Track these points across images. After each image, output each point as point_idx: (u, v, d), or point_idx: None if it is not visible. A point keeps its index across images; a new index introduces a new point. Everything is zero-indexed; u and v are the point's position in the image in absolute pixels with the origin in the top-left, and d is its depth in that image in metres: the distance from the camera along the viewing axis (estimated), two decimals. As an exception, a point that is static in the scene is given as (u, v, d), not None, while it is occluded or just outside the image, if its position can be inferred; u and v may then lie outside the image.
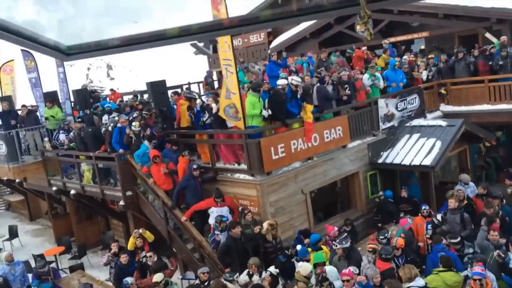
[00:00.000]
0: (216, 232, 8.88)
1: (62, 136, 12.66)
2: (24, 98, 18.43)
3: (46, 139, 13.81)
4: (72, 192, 12.49)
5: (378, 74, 12.37)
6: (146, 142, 10.48)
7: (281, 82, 10.21)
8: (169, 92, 13.66)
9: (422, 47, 17.61)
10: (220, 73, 14.33)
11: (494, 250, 7.05)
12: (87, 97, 15.03)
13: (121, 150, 10.57)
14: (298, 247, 8.17)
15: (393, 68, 12.74)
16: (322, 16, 1.56)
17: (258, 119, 9.60)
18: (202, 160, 10.83)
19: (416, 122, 12.42)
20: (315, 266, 7.43)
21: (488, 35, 14.64)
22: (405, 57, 13.91)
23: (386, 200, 10.78)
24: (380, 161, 11.62)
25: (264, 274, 7.42)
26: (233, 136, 10.16)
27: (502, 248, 7.24)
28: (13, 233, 15.46)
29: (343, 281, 6.72)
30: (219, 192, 9.51)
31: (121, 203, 10.76)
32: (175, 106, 12.01)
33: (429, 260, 7.63)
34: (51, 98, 15.04)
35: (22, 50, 16.40)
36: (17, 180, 14.53)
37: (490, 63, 12.94)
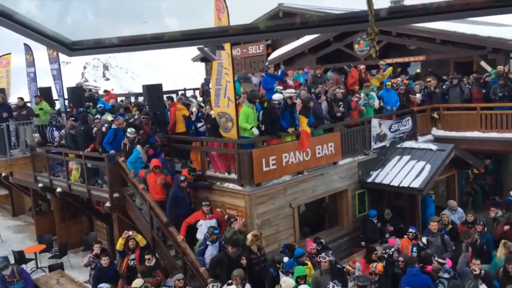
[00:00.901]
0: (207, 242, 8.74)
1: (56, 133, 12.54)
2: (18, 92, 18.30)
3: (36, 134, 13.66)
4: (58, 190, 12.35)
5: (373, 94, 12.49)
6: (138, 147, 10.35)
7: (276, 97, 10.10)
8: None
9: (418, 70, 17.84)
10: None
11: (473, 280, 7.14)
12: (81, 96, 14.95)
13: (112, 151, 10.49)
14: (285, 259, 8.21)
15: (386, 89, 12.88)
16: (329, 30, 1.57)
17: (249, 132, 9.59)
18: (194, 167, 10.77)
19: (408, 144, 12.52)
20: (297, 279, 7.49)
21: (483, 63, 14.89)
22: (399, 79, 14.07)
23: (368, 219, 10.86)
24: (369, 180, 11.66)
25: (247, 286, 7.38)
26: (226, 145, 10.14)
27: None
28: (-6, 227, 15.21)
29: None
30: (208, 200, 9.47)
31: (107, 204, 10.67)
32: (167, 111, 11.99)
33: (403, 282, 7.64)
34: (45, 94, 14.95)
35: (24, 44, 16.35)
36: (3, 174, 14.33)
37: (484, 91, 13.14)
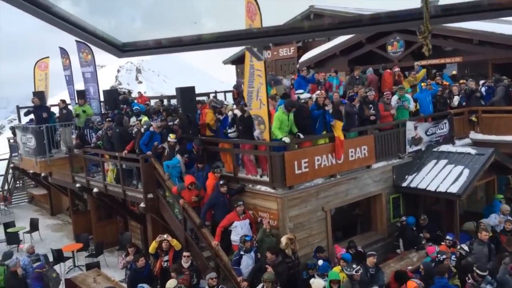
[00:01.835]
0: (241, 252, 8.62)
1: (93, 135, 12.96)
2: (56, 95, 18.99)
3: (73, 136, 14.11)
4: (95, 190, 12.68)
5: (408, 96, 12.20)
6: (178, 156, 10.39)
7: (303, 96, 10.16)
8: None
9: (454, 72, 17.34)
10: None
11: None
12: (116, 98, 15.35)
13: (148, 153, 10.69)
14: (320, 262, 8.12)
15: (421, 90, 12.57)
16: (380, 29, 1.54)
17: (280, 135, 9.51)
18: (225, 169, 10.83)
19: (444, 148, 12.16)
20: (330, 283, 7.41)
21: (523, 64, 14.33)
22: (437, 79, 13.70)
23: (408, 226, 10.54)
24: (404, 184, 11.39)
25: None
26: (258, 147, 10.13)
27: None
28: (33, 226, 15.77)
29: None
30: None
31: (142, 205, 10.85)
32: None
33: None
34: (82, 96, 15.44)
35: (60, 48, 16.96)
36: (42, 174, 14.85)
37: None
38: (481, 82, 14.40)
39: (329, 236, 10.17)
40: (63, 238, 15.89)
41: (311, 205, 9.84)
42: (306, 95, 10.11)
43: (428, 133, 12.27)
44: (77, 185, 13.44)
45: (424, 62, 16.12)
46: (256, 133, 9.80)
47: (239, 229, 9.12)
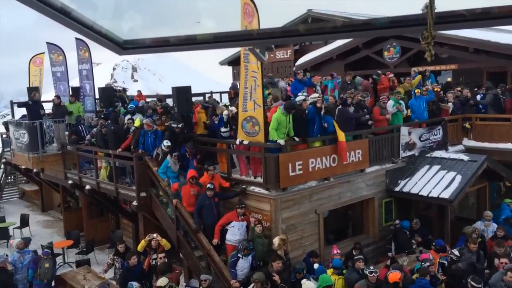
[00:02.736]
0: (239, 255, 8.61)
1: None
2: (49, 91, 18.89)
3: (66, 132, 14.03)
4: (87, 187, 12.61)
5: (402, 102, 12.25)
6: (168, 157, 10.33)
7: (298, 98, 10.22)
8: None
9: (449, 79, 17.47)
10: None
11: None
12: (111, 96, 15.28)
13: (140, 151, 10.65)
14: (316, 265, 8.12)
15: (415, 96, 12.64)
16: (379, 34, 1.54)
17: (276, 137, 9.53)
18: (220, 169, 10.82)
19: (437, 153, 12.23)
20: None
21: (517, 73, 14.48)
22: (428, 85, 13.78)
23: (401, 229, 10.58)
24: (397, 189, 11.45)
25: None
26: (252, 148, 10.13)
27: None
28: (24, 221, 15.64)
29: None
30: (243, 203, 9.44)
31: (134, 203, 10.81)
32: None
33: None
34: (75, 93, 15.36)
35: (47, 43, 16.84)
36: (34, 170, 14.74)
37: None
38: (475, 89, 14.53)
39: (321, 238, 10.19)
40: (53, 235, 15.76)
41: (304, 207, 9.86)
42: (300, 97, 10.13)
43: (422, 139, 12.35)
44: (69, 181, 13.36)
45: (420, 69, 16.22)
46: (237, 141, 9.80)
47: (236, 230, 9.14)
